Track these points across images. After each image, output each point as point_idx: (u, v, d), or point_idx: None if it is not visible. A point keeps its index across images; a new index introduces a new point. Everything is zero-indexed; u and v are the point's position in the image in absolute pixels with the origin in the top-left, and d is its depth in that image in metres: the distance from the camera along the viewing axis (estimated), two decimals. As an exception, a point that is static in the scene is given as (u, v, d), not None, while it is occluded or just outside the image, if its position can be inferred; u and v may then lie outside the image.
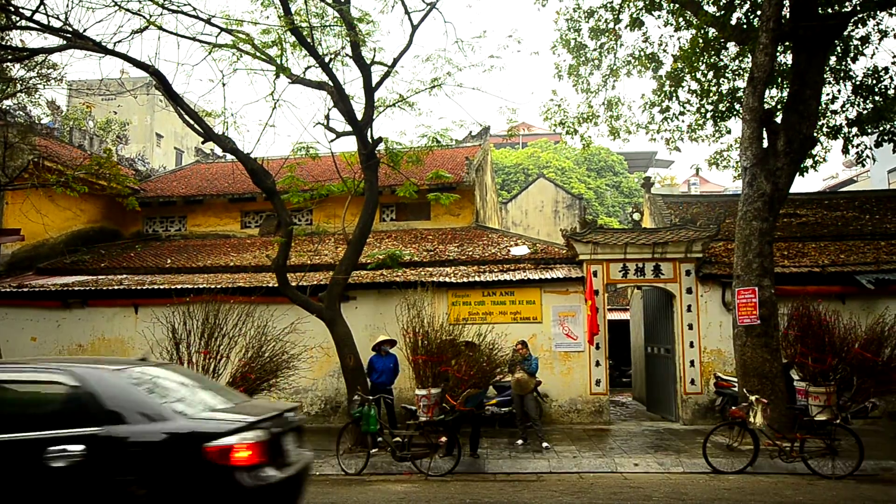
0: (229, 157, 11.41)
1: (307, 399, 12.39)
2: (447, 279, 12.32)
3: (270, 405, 5.63)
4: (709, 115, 13.92)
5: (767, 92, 11.82)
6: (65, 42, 9.35)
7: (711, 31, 12.25)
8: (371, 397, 9.19)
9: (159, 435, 4.18)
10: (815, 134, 11.30)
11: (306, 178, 14.23)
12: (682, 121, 14.33)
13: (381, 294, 12.36)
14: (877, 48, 15.91)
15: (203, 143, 11.15)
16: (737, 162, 14.74)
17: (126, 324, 12.87)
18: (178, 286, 12.16)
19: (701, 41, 12.48)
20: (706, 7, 12.01)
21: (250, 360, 9.00)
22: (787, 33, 10.52)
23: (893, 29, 12.99)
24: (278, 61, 9.83)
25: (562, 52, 14.16)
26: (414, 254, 13.91)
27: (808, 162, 13.45)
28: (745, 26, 12.17)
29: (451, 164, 17.37)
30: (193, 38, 9.55)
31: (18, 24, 9.50)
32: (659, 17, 13.50)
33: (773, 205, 10.15)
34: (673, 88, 13.71)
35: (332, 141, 10.91)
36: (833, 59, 12.48)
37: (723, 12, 12.00)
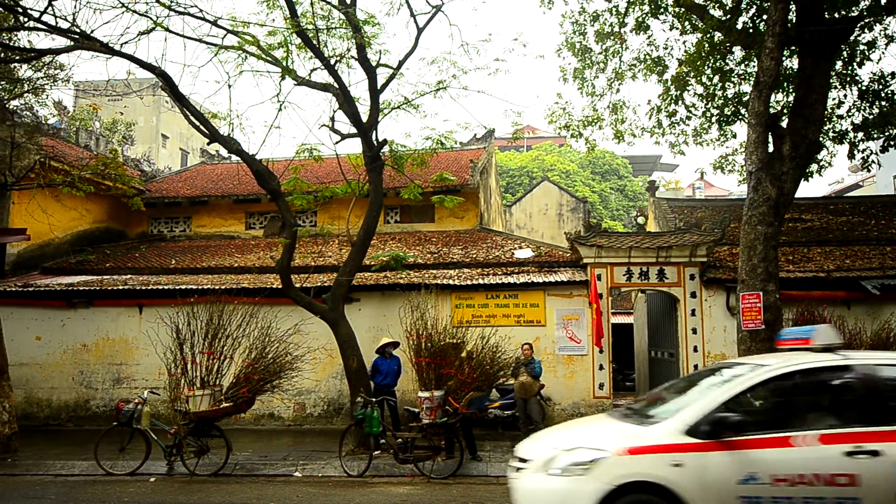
0: (234, 158, 11.43)
1: (310, 400, 12.40)
2: (451, 282, 12.32)
3: None
4: (714, 119, 13.87)
5: (773, 96, 11.76)
6: (72, 43, 9.40)
7: (717, 36, 12.21)
8: (374, 399, 9.19)
9: None
10: (821, 139, 11.24)
11: (311, 179, 14.28)
12: (688, 125, 14.27)
13: (385, 296, 12.36)
14: (883, 53, 15.89)
15: (208, 144, 11.19)
16: (742, 166, 14.67)
17: (130, 324, 12.91)
18: (183, 287, 12.20)
19: (707, 45, 12.44)
20: (712, 11, 11.98)
21: (254, 361, 9.01)
22: (794, 38, 10.49)
23: (900, 34, 12.93)
24: (284, 63, 9.87)
25: (567, 55, 14.13)
26: (418, 256, 13.92)
27: (814, 167, 13.39)
28: (750, 31, 12.14)
29: (455, 166, 17.39)
30: (200, 40, 9.60)
31: (26, 25, 9.54)
32: (664, 21, 13.46)
33: (778, 209, 10.11)
34: (678, 92, 13.66)
35: (337, 143, 10.95)
36: (839, 64, 12.43)
37: (728, 16, 11.96)
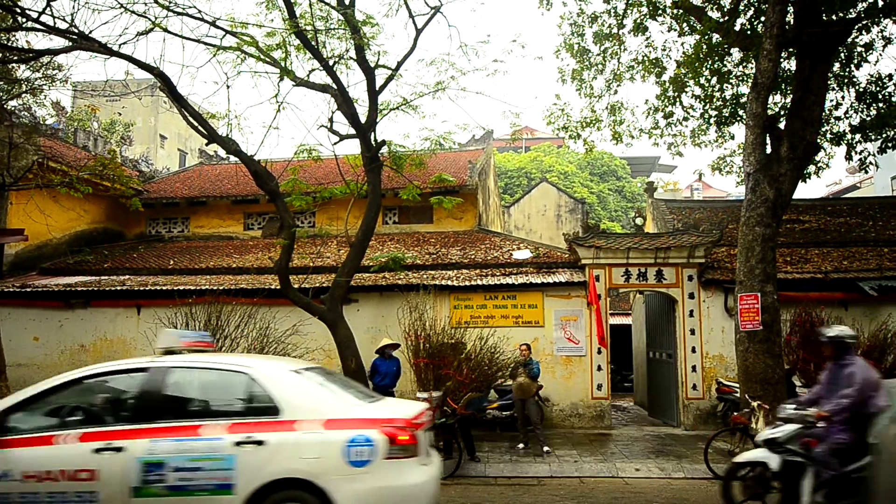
0: (233, 158, 11.45)
1: (308, 401, 12.38)
2: (449, 282, 12.33)
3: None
4: (712, 120, 13.89)
5: (771, 98, 11.80)
6: (70, 43, 9.39)
7: (715, 37, 12.24)
8: (372, 400, 9.18)
9: None
10: (819, 140, 11.26)
11: (309, 180, 14.28)
12: (686, 126, 14.30)
13: (384, 297, 12.36)
14: (881, 55, 15.89)
15: (207, 144, 11.18)
16: (740, 167, 14.73)
17: (128, 325, 12.89)
18: (181, 287, 12.19)
19: (704, 47, 12.47)
20: (710, 13, 12.01)
21: (252, 361, 8.99)
22: (791, 39, 10.51)
23: (897, 36, 12.97)
24: (282, 64, 9.87)
25: (565, 56, 14.16)
26: (416, 257, 13.92)
27: (812, 168, 13.42)
28: (748, 32, 12.16)
29: (454, 167, 17.40)
30: (198, 41, 9.59)
31: (25, 26, 9.53)
32: (662, 22, 13.49)
33: (776, 211, 10.13)
34: (676, 94, 13.69)
35: (335, 144, 10.95)
36: (837, 66, 12.46)
37: (726, 18, 11.99)
